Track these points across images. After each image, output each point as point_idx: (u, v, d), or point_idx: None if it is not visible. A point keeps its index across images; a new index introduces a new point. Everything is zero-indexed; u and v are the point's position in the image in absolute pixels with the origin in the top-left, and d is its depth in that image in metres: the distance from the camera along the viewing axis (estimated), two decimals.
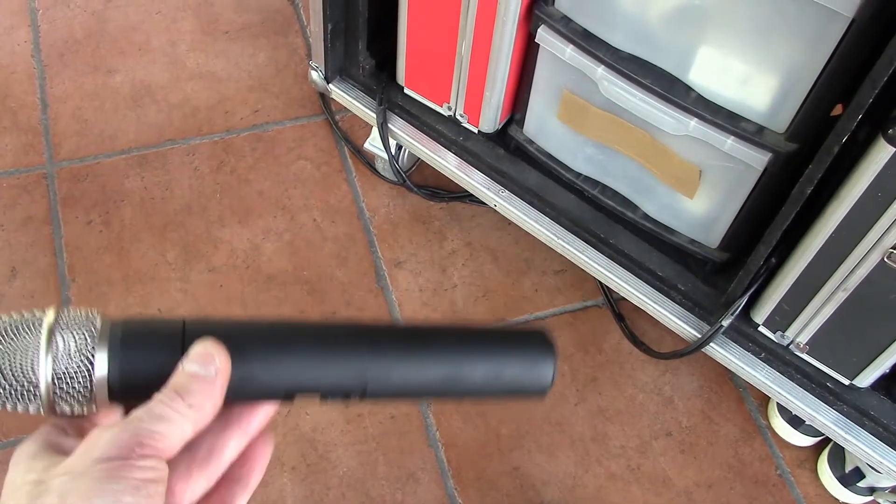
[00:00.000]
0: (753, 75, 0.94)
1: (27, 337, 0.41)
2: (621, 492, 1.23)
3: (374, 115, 1.29)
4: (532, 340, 0.48)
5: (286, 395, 0.44)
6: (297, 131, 1.53)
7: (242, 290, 1.35)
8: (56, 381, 0.40)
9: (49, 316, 0.41)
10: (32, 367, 0.40)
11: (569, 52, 1.05)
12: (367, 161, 1.49)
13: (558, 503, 1.21)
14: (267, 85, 1.58)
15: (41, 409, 0.41)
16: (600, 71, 1.03)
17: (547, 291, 1.39)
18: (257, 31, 1.65)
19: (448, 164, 1.27)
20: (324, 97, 1.55)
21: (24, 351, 0.40)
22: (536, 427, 1.27)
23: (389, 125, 1.30)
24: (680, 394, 1.31)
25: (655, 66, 1.00)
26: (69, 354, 0.40)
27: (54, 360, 0.40)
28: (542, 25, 1.06)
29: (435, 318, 1.35)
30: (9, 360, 0.40)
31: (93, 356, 0.41)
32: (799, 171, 0.92)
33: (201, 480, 0.44)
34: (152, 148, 1.49)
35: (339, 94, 1.33)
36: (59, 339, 0.41)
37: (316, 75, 1.32)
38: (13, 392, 0.40)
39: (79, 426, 0.43)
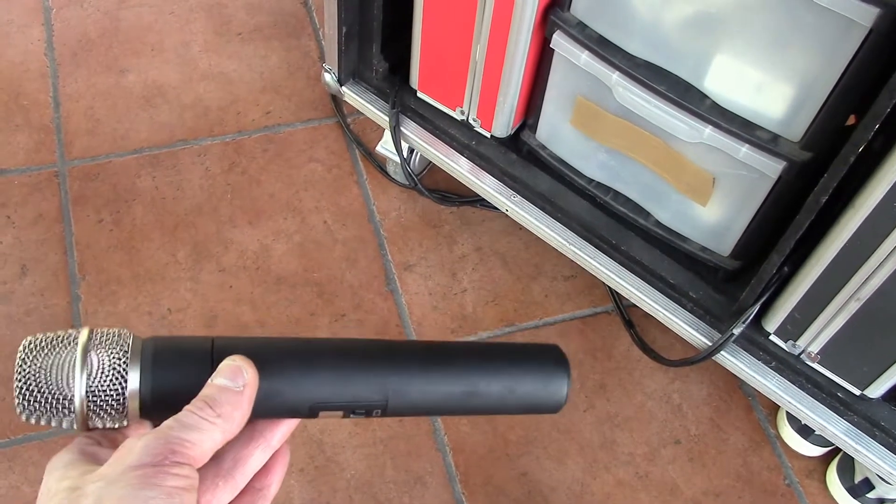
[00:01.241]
0: (769, 84, 0.94)
1: (62, 355, 0.42)
2: (629, 499, 1.23)
3: (387, 119, 1.30)
4: (546, 357, 0.49)
5: (311, 412, 0.45)
6: (309, 133, 1.53)
7: (252, 291, 1.35)
8: (90, 397, 0.42)
9: (83, 335, 0.43)
10: (68, 384, 0.42)
11: (584, 58, 1.05)
12: (379, 164, 1.49)
13: None
14: (279, 87, 1.58)
15: (75, 425, 0.42)
16: (615, 77, 1.03)
17: (557, 297, 1.38)
18: (270, 32, 1.66)
19: (460, 168, 1.27)
20: (335, 99, 1.55)
21: (60, 368, 0.42)
22: (545, 433, 1.27)
23: (402, 128, 1.30)
24: (689, 402, 1.31)
25: (671, 73, 1.00)
26: (103, 372, 0.42)
27: (88, 378, 0.42)
28: (558, 31, 1.06)
29: (444, 322, 1.35)
30: (45, 377, 0.42)
31: (126, 373, 0.42)
32: (813, 179, 0.92)
33: (226, 492, 0.45)
34: (164, 148, 1.49)
35: (352, 96, 1.33)
36: (93, 357, 0.42)
37: (329, 77, 1.33)
38: (49, 407, 0.42)
39: (112, 437, 0.44)
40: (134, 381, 0.42)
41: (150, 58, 1.60)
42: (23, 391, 0.41)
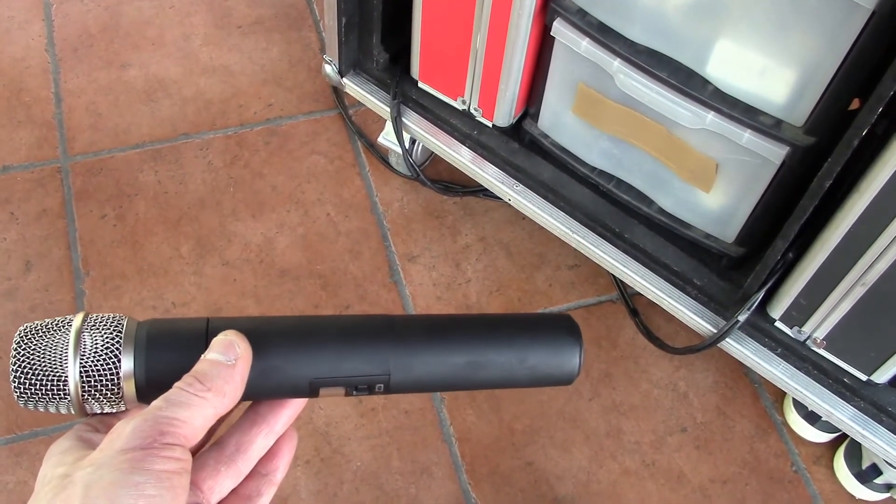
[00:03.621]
0: (771, 68, 0.93)
1: (56, 337, 0.42)
2: (636, 487, 1.22)
3: (388, 109, 1.29)
4: (557, 326, 0.47)
5: (311, 389, 0.44)
6: (311, 125, 1.53)
7: (256, 284, 1.35)
8: (84, 379, 0.41)
9: (78, 318, 0.42)
10: (61, 365, 0.41)
11: (584, 45, 1.04)
12: (381, 155, 1.48)
13: (572, 498, 1.21)
14: (280, 79, 1.58)
15: (72, 409, 0.42)
16: (616, 64, 1.02)
17: (561, 286, 1.38)
18: (270, 25, 1.65)
19: (462, 158, 1.27)
20: (337, 91, 1.55)
21: (54, 351, 0.41)
22: (550, 422, 1.26)
23: (403, 119, 1.29)
24: (695, 389, 1.31)
25: (672, 59, 1.00)
26: (96, 353, 0.41)
27: (82, 358, 0.41)
28: (558, 18, 1.05)
29: (448, 312, 1.35)
30: (39, 360, 0.41)
31: (119, 355, 0.42)
32: (816, 164, 0.91)
33: (229, 477, 0.45)
34: (166, 142, 1.49)
35: (353, 87, 1.33)
36: (86, 338, 0.41)
37: (330, 69, 1.32)
38: (44, 391, 0.41)
39: (109, 424, 0.43)
40: (128, 362, 0.42)
41: (151, 52, 1.60)
42: (18, 375, 0.41)
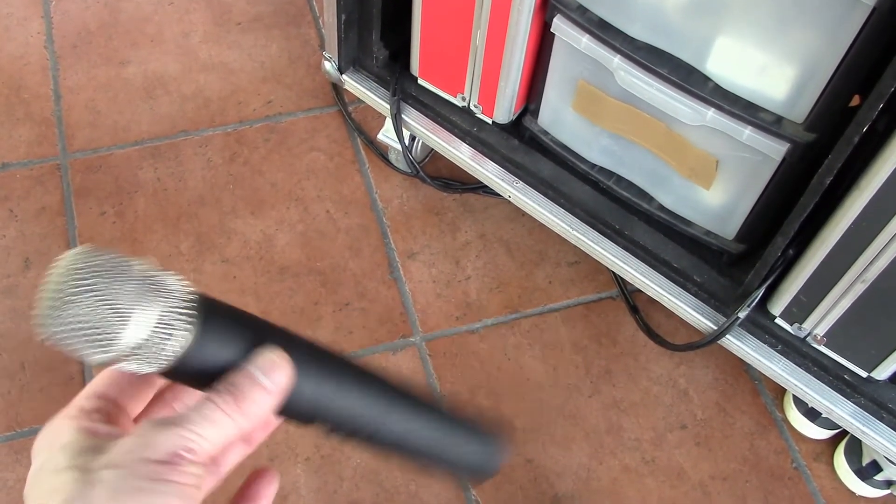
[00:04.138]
0: (772, 65, 0.93)
1: (123, 287, 0.38)
2: (636, 484, 1.22)
3: (388, 106, 1.29)
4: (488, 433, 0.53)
5: (306, 423, 0.45)
6: (310, 122, 1.52)
7: (256, 281, 1.34)
8: (143, 339, 0.38)
9: (148, 269, 0.39)
10: (121, 319, 0.38)
11: (584, 41, 1.04)
12: (381, 152, 1.48)
13: (572, 496, 1.21)
14: (280, 76, 1.58)
15: (106, 360, 0.39)
16: (616, 61, 1.02)
17: (561, 283, 1.38)
18: (270, 21, 1.65)
19: (462, 154, 1.27)
20: (337, 88, 1.55)
21: (116, 300, 0.38)
22: (550, 419, 1.26)
23: (403, 116, 1.29)
24: (695, 386, 1.31)
25: (672, 55, 0.99)
26: (158, 317, 0.39)
27: (142, 319, 0.38)
28: (558, 15, 1.05)
29: (448, 310, 1.34)
30: (99, 304, 0.38)
31: (177, 326, 0.39)
32: (817, 161, 0.91)
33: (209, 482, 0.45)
34: (165, 139, 1.49)
35: (353, 84, 1.33)
36: (151, 299, 0.39)
37: (329, 66, 1.32)
38: (91, 335, 0.38)
39: (106, 411, 0.42)
40: (180, 336, 0.39)
41: (150, 49, 1.59)
42: (76, 298, 0.37)
